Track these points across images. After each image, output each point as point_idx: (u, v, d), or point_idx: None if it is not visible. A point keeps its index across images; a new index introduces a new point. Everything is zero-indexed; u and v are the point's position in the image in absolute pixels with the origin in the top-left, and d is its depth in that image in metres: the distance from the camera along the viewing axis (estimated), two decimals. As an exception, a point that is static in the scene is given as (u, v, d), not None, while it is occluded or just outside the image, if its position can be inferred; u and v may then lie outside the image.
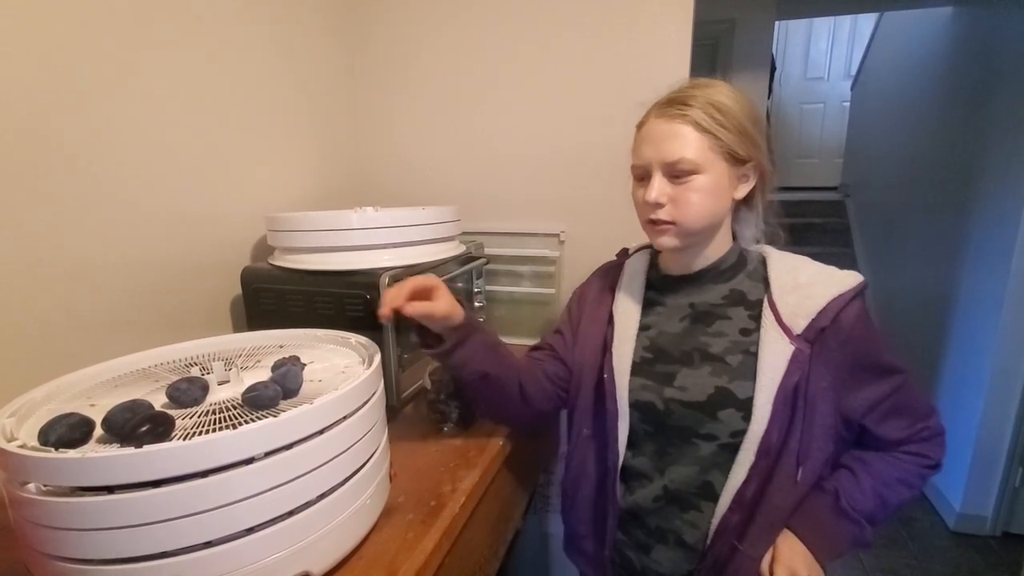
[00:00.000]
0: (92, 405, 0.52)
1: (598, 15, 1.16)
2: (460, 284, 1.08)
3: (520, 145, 1.27)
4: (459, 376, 0.76)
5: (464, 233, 1.13)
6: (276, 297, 0.88)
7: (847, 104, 4.28)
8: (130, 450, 0.40)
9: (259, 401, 0.50)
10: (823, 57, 4.58)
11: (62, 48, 0.71)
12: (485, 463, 0.75)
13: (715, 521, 0.69)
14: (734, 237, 0.76)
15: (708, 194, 0.67)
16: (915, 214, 2.73)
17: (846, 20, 4.44)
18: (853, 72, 4.11)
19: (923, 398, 0.72)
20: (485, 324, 0.80)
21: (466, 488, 0.68)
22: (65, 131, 0.71)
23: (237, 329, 1.00)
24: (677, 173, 0.66)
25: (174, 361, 0.64)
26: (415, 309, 0.66)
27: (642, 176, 0.71)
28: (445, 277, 0.93)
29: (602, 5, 1.15)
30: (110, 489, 0.41)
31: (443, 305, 0.68)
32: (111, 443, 0.44)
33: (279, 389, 0.52)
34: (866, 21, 4.16)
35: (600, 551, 0.79)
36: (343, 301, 0.84)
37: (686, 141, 0.65)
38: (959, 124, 2.31)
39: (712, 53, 2.35)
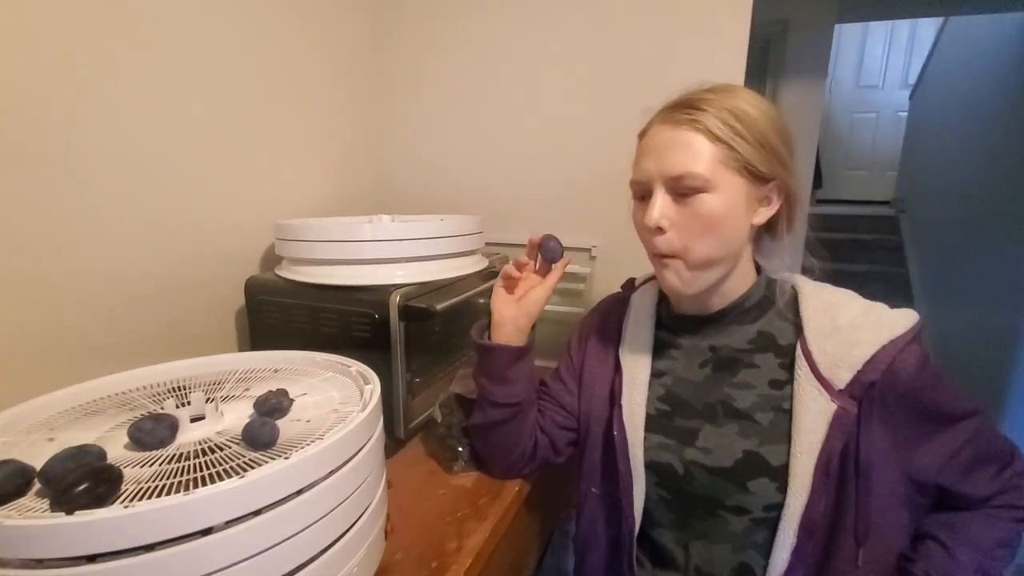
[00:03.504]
0: (50, 440, 0.46)
1: (643, 13, 1.06)
2: (483, 301, 0.99)
3: (551, 152, 1.18)
4: (490, 396, 0.67)
5: (487, 244, 1.05)
6: (280, 311, 0.82)
7: (903, 114, 4.04)
8: (59, 517, 0.33)
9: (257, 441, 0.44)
10: (878, 64, 4.33)
11: (51, 34, 0.65)
12: (498, 513, 0.66)
13: None
14: (758, 269, 0.65)
15: (719, 218, 0.55)
16: (981, 236, 2.51)
17: (904, 25, 4.18)
18: (910, 80, 3.88)
19: (1002, 438, 0.61)
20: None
21: (474, 546, 0.59)
22: (53, 126, 0.66)
23: (242, 344, 0.94)
24: (683, 190, 0.55)
25: (155, 385, 0.58)
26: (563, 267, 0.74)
27: (643, 194, 0.61)
28: (466, 294, 0.85)
29: (647, 3, 1.05)
30: (40, 561, 0.34)
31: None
32: (47, 498, 0.37)
33: (276, 427, 0.45)
34: (926, 27, 3.91)
35: None
36: (349, 319, 0.76)
37: (695, 152, 0.54)
38: (1036, 139, 2.10)
39: (762, 57, 2.20)
